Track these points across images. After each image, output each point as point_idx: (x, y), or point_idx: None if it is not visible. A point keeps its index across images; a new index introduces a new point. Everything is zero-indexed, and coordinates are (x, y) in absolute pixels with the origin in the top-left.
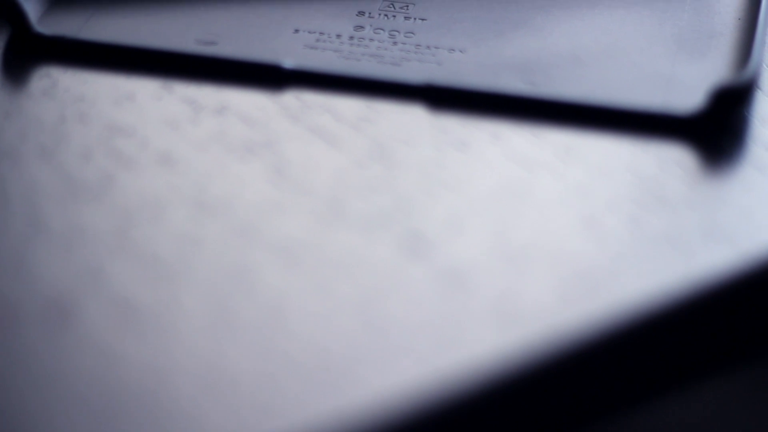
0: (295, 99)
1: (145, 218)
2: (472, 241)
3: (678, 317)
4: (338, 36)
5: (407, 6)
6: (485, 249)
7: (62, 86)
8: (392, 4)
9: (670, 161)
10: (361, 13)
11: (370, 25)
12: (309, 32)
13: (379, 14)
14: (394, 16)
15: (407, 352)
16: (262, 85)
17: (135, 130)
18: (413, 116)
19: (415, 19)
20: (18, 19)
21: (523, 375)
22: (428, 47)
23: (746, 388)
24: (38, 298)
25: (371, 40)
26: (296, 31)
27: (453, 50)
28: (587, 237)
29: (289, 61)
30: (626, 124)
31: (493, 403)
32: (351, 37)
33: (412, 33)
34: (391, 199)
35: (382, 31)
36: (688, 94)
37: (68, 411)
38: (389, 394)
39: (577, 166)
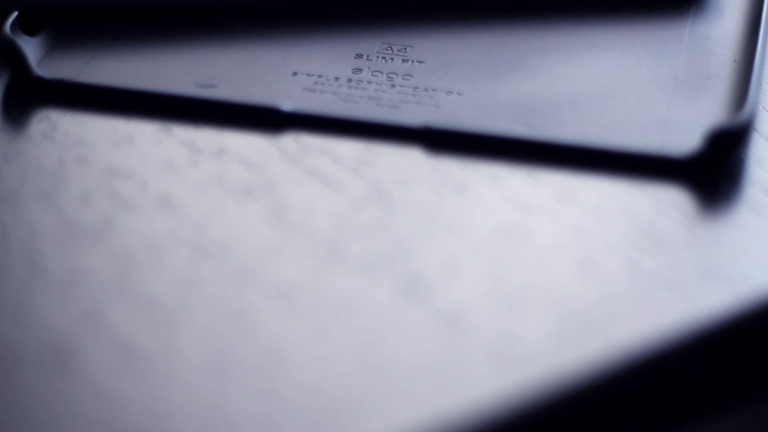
0: (294, 141)
1: (143, 261)
2: (470, 283)
3: (675, 359)
4: (336, 78)
5: (405, 49)
6: (483, 291)
7: (62, 129)
8: (390, 47)
9: (666, 203)
10: (359, 56)
11: (368, 68)
12: (307, 75)
13: (377, 57)
14: (392, 59)
15: (406, 395)
16: (260, 128)
17: (134, 173)
18: (411, 158)
19: (413, 61)
20: (18, 62)
21: (522, 417)
22: (426, 90)
23: (743, 430)
24: (37, 341)
25: (369, 82)
26: (295, 73)
27: (451, 93)
28: (585, 279)
29: (288, 103)
30: (623, 166)
31: None
32: (349, 80)
33: (410, 76)
34: (389, 242)
35: (380, 74)
36: (684, 136)
37: None
38: None
39: (574, 208)
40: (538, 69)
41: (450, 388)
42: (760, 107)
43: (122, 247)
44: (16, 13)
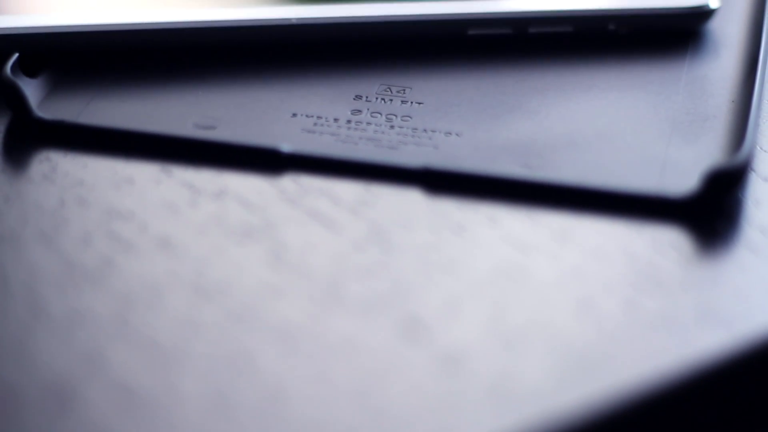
0: (293, 183)
1: (144, 302)
2: (469, 324)
3: (674, 400)
4: (336, 120)
5: (404, 90)
6: (482, 332)
7: (62, 170)
8: (389, 88)
9: (665, 244)
10: (358, 97)
11: (368, 109)
12: (307, 116)
13: (377, 98)
14: (391, 100)
15: None
16: (260, 169)
17: (134, 214)
18: (411, 200)
19: (411, 102)
20: (18, 103)
21: None
22: (425, 131)
23: None
24: (38, 382)
25: (368, 123)
26: (294, 114)
27: (449, 134)
28: (583, 320)
29: (287, 145)
30: (621, 207)
31: None
32: (348, 121)
33: (409, 117)
34: (388, 283)
35: (379, 115)
36: (682, 177)
37: None
38: None
39: (572, 248)
40: (537, 110)
41: (450, 429)
42: (758, 147)
43: (122, 289)
44: (16, 55)
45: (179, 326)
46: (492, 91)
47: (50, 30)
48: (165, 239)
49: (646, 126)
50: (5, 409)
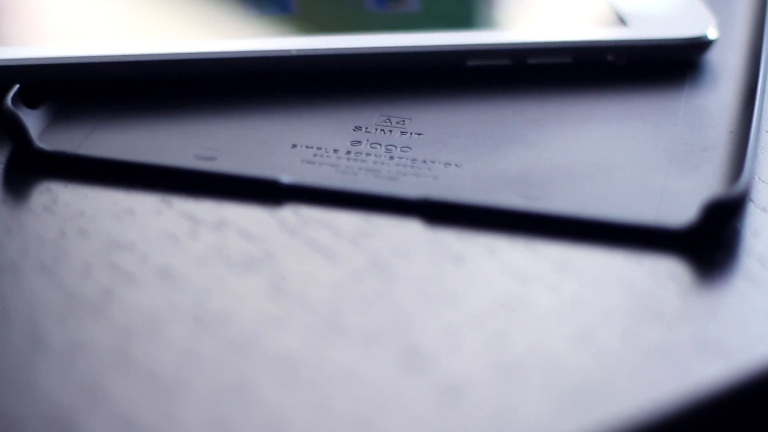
0: (293, 214)
1: (143, 333)
2: (468, 355)
3: (673, 430)
4: (335, 151)
5: (403, 121)
6: (482, 363)
7: (62, 201)
8: (389, 119)
9: (663, 274)
10: (357, 128)
11: (367, 140)
12: (306, 147)
13: (376, 129)
14: (391, 131)
15: None
16: (260, 200)
17: (134, 245)
18: (410, 230)
19: (411, 133)
20: (19, 134)
21: None
22: (424, 162)
23: None
24: (38, 413)
25: (368, 154)
26: (294, 146)
27: (449, 165)
28: (582, 350)
29: (287, 176)
30: (620, 238)
31: None
32: (348, 152)
33: (409, 148)
34: (388, 314)
35: (378, 146)
36: (681, 208)
37: None
38: None
39: (571, 279)
40: (536, 141)
41: None
42: (756, 178)
43: (122, 320)
44: (17, 86)
45: (179, 357)
46: (491, 122)
47: (51, 61)
48: (165, 270)
49: (644, 157)
50: None
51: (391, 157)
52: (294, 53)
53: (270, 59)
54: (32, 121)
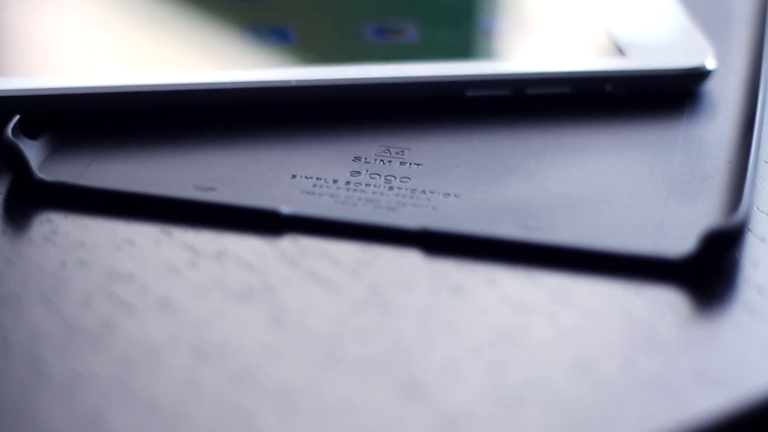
0: (293, 244)
1: (143, 364)
2: (468, 385)
3: None
4: (335, 181)
5: (403, 151)
6: (481, 394)
7: (63, 232)
8: (388, 150)
9: (662, 305)
10: (357, 159)
11: (366, 170)
12: (306, 177)
13: (375, 159)
14: (390, 162)
15: None
16: (260, 231)
17: (134, 276)
18: (409, 260)
19: (410, 164)
20: (20, 165)
21: None
22: (423, 192)
23: None
24: None
25: (367, 185)
26: (293, 176)
27: (448, 195)
28: (581, 381)
29: (287, 206)
30: (619, 268)
31: None
32: (347, 182)
33: (408, 178)
34: (387, 344)
35: (378, 176)
36: (679, 238)
37: None
38: None
39: (571, 309)
40: (534, 171)
41: None
42: (755, 208)
43: (122, 351)
44: (18, 117)
45: (179, 388)
46: (490, 153)
47: (51, 92)
48: (165, 301)
49: (643, 187)
50: None
51: (391, 188)
52: (294, 83)
53: (270, 89)
54: (32, 151)
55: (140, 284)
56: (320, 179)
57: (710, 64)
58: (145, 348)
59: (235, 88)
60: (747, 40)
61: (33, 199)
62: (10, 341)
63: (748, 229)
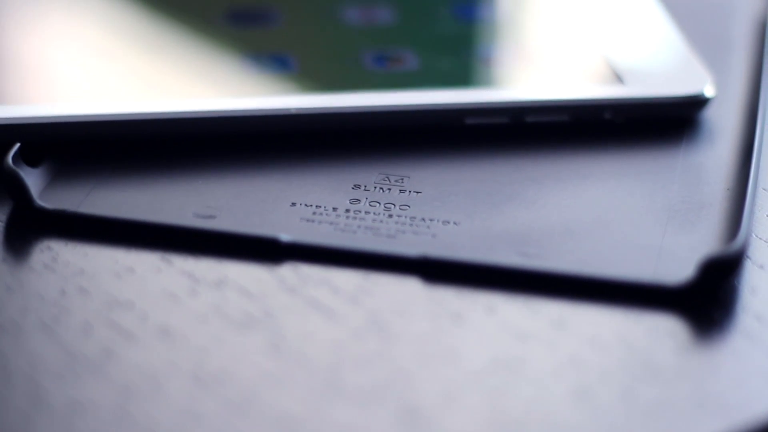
0: (293, 272)
1: (143, 393)
2: (467, 414)
3: None
4: (334, 209)
5: (402, 179)
6: (480, 422)
7: (63, 259)
8: (387, 177)
9: (661, 332)
10: (356, 186)
11: (366, 198)
12: (306, 205)
13: (375, 187)
14: (389, 189)
15: None
16: (259, 259)
17: (134, 304)
18: (409, 288)
19: (409, 192)
20: (20, 193)
21: None
22: (423, 220)
23: None
24: None
25: (367, 212)
26: (293, 204)
27: (447, 223)
28: (581, 408)
29: (286, 235)
30: (618, 296)
31: None
32: (347, 210)
33: (407, 206)
34: (387, 373)
35: (377, 204)
36: (678, 266)
37: None
38: None
39: (570, 337)
40: (534, 199)
41: None
42: (754, 235)
43: (122, 379)
44: (18, 145)
45: (179, 416)
46: (489, 180)
47: (51, 120)
48: (165, 329)
49: (642, 214)
50: None
51: (390, 216)
52: (293, 112)
53: (269, 118)
54: (33, 179)
55: (140, 312)
56: (320, 207)
57: (709, 91)
58: (145, 376)
59: (235, 116)
60: (745, 68)
61: (33, 226)
62: (10, 369)
63: (747, 257)
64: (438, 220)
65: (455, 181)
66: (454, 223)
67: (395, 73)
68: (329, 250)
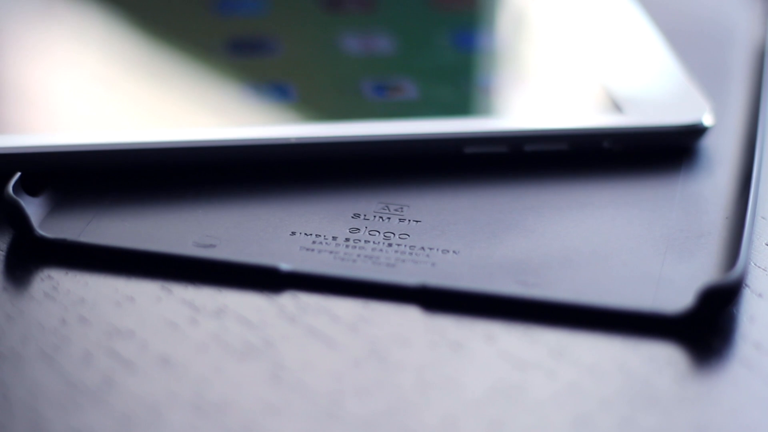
0: (293, 301)
1: (143, 422)
2: None
3: None
4: (334, 238)
5: (402, 208)
6: None
7: (63, 288)
8: (387, 207)
9: (660, 360)
10: (356, 216)
11: (366, 227)
12: (305, 234)
13: (374, 216)
14: (389, 218)
15: None
16: (259, 288)
17: (134, 333)
18: (409, 317)
19: (409, 221)
20: (20, 222)
21: None
22: (422, 249)
23: None
24: None
25: (366, 241)
26: (293, 233)
27: (447, 251)
28: None
29: (286, 264)
30: (617, 324)
31: None
32: (347, 239)
33: (407, 235)
34: (387, 401)
35: (377, 233)
36: (677, 294)
37: None
38: None
39: (569, 366)
40: (533, 228)
41: None
42: (752, 263)
43: (122, 408)
44: (19, 174)
45: None
46: (488, 209)
47: (52, 149)
48: (165, 358)
49: (641, 243)
50: None
51: (390, 244)
52: (293, 141)
53: (269, 147)
54: (33, 208)
55: (140, 341)
56: (319, 236)
57: (707, 120)
58: (145, 405)
59: (235, 145)
60: (744, 97)
61: (34, 255)
62: (11, 398)
63: (746, 285)
64: (437, 249)
65: (454, 210)
66: (454, 252)
67: (394, 102)
68: (329, 279)
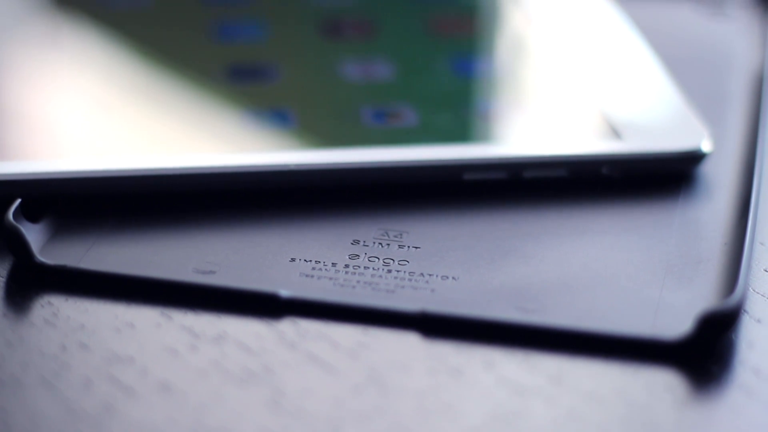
0: (292, 327)
1: None
2: None
3: None
4: (333, 264)
5: (401, 234)
6: None
7: (63, 315)
8: (386, 233)
9: (659, 387)
10: (355, 242)
11: (365, 254)
12: (305, 261)
13: (374, 242)
14: (389, 245)
15: None
16: (259, 314)
17: (134, 359)
18: (408, 343)
19: (408, 247)
20: (20, 248)
21: None
22: (422, 275)
23: None
24: None
25: (366, 268)
26: (292, 259)
27: (446, 278)
28: None
29: (286, 290)
30: (616, 351)
31: None
32: (346, 266)
33: (406, 261)
34: (386, 427)
35: (376, 260)
36: (676, 320)
37: None
38: None
39: (568, 392)
40: (532, 254)
41: None
42: (751, 289)
43: None
44: (19, 200)
45: None
46: (487, 236)
47: (52, 176)
48: (165, 384)
49: (639, 269)
50: None
51: (389, 271)
52: (292, 167)
53: (269, 173)
54: (33, 235)
55: (140, 367)
56: (319, 262)
57: (706, 146)
58: (146, 431)
59: (235, 171)
60: (742, 123)
61: (34, 282)
62: (11, 425)
63: (744, 311)
64: (437, 275)
65: (454, 236)
66: (453, 278)
67: (394, 129)
68: (329, 306)
